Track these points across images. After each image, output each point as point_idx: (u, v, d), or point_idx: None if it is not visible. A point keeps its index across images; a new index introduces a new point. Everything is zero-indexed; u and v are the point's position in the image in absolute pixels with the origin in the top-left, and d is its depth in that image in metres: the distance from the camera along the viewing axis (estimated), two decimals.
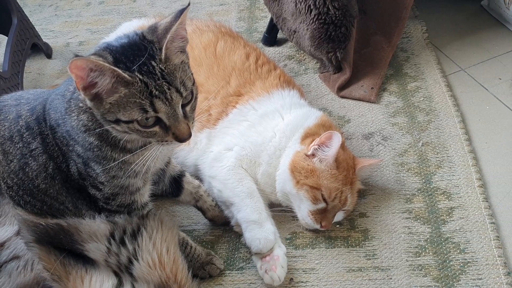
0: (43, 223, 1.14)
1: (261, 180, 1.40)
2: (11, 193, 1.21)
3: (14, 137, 1.13)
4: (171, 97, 0.93)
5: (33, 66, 2.13)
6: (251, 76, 1.50)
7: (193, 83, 1.00)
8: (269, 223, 1.32)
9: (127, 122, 0.94)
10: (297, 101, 1.50)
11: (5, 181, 1.20)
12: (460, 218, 1.37)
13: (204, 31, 1.63)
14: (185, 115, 0.99)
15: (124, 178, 1.07)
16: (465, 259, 1.28)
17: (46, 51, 2.16)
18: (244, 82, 1.49)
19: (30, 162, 1.13)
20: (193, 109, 1.02)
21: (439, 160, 1.53)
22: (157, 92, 0.92)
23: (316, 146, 1.33)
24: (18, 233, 1.35)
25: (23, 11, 2.02)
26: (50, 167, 1.12)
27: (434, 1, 2.20)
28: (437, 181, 1.47)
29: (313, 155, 1.34)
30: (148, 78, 0.91)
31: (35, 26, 2.11)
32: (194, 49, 1.56)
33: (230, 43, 1.58)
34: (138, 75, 0.90)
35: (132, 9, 2.49)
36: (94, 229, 1.11)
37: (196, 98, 1.02)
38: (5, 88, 1.61)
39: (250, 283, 1.29)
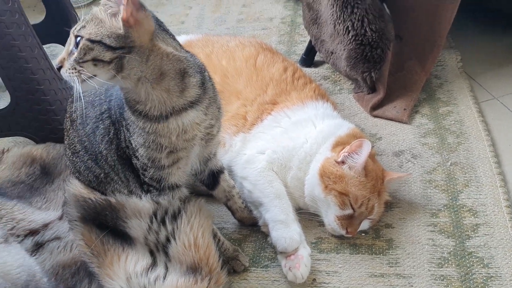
0: (93, 198, 1.24)
1: (291, 184, 1.46)
2: (75, 159, 1.32)
3: (94, 100, 1.25)
4: (75, 26, 1.04)
5: None
6: (287, 87, 1.59)
7: (84, 45, 1.00)
8: (295, 224, 1.37)
9: None
10: (330, 112, 1.57)
11: (73, 146, 1.32)
12: (485, 234, 1.38)
13: (246, 46, 1.74)
14: (71, 52, 1.02)
15: (146, 148, 1.14)
16: (489, 274, 1.29)
17: None
18: (280, 92, 1.57)
19: (99, 124, 1.23)
20: (75, 60, 1.00)
21: (466, 180, 1.55)
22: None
23: (346, 154, 1.38)
24: (61, 218, 1.46)
25: None
26: (112, 131, 1.21)
27: (470, 33, 2.26)
28: (463, 198, 1.50)
29: (343, 162, 1.39)
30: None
31: None
32: (236, 61, 1.66)
33: (270, 57, 1.68)
34: None
35: (180, 30, 2.64)
36: (139, 207, 1.20)
37: (81, 53, 1.00)
38: (61, 88, 1.74)
39: (274, 280, 1.33)
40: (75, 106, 1.28)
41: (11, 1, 1.58)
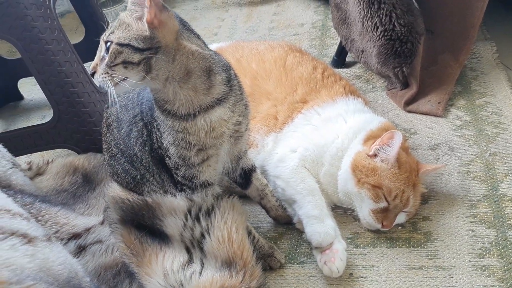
0: (130, 199, 1.29)
1: (324, 180, 1.46)
2: (113, 162, 1.37)
3: (128, 104, 1.30)
4: (104, 33, 1.08)
5: None
6: (317, 85, 1.60)
7: (113, 49, 1.05)
8: (329, 219, 1.36)
9: None
10: (361, 107, 1.56)
11: (110, 150, 1.37)
12: None
13: (275, 48, 1.77)
14: (103, 57, 1.07)
15: (176, 146, 1.17)
16: None
17: None
18: (310, 91, 1.58)
19: (133, 127, 1.28)
20: (107, 64, 1.05)
21: (507, 169, 1.51)
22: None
23: (378, 146, 1.37)
24: (102, 223, 1.52)
25: None
26: (145, 133, 1.26)
27: (507, 24, 2.20)
28: (504, 188, 1.45)
29: (375, 155, 1.38)
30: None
31: None
32: (265, 63, 1.69)
33: (299, 57, 1.70)
34: None
35: (213, 41, 2.69)
36: (174, 205, 1.24)
37: (112, 57, 1.05)
38: (100, 100, 1.82)
39: (310, 276, 1.33)
40: (110, 111, 1.33)
41: (50, 19, 1.68)
